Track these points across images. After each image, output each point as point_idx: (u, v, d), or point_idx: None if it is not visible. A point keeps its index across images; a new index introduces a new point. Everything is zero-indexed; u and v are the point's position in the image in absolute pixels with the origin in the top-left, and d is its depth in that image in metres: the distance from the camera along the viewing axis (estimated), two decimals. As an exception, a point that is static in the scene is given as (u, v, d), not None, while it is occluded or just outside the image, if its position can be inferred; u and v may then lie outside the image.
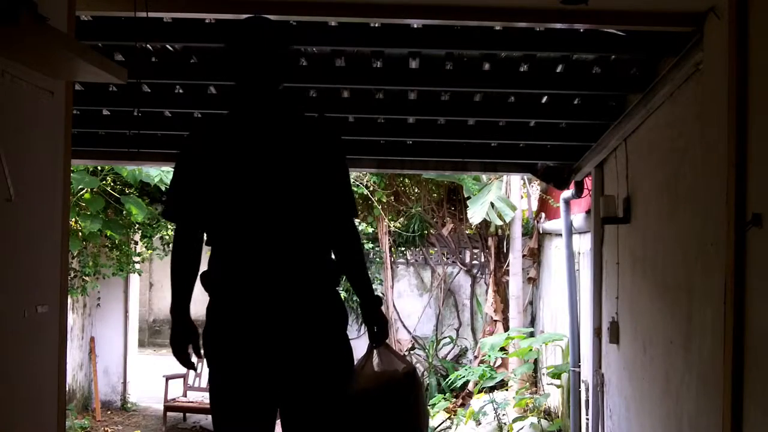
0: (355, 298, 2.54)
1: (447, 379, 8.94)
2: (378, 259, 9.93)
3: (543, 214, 8.53)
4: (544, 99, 4.52)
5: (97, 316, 9.24)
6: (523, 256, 8.83)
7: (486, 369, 8.29)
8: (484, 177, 8.75)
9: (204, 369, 8.61)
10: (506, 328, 8.80)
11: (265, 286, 2.25)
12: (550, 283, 8.18)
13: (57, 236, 2.56)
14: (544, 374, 7.74)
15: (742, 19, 2.61)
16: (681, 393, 3.53)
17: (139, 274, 9.37)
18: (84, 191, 7.57)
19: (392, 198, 9.98)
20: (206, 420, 8.69)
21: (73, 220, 7.47)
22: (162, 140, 5.21)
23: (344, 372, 2.35)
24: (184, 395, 8.54)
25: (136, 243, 9.02)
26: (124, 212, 8.06)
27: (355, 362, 2.44)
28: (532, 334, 8.37)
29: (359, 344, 2.57)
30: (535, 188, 9.29)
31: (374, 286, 4.41)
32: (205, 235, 2.37)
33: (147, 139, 5.08)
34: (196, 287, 2.33)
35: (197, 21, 3.48)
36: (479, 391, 8.14)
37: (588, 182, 5.52)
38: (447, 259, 10.03)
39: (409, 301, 10.04)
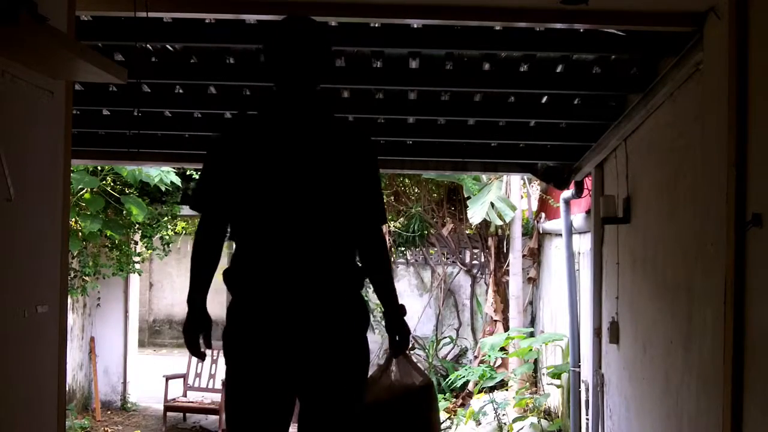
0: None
1: (447, 379, 8.94)
2: (378, 259, 9.91)
3: (543, 214, 8.53)
4: (544, 99, 4.52)
5: (97, 316, 9.24)
6: (523, 256, 8.83)
7: (486, 369, 8.29)
8: (484, 177, 8.74)
9: (204, 369, 8.63)
10: (506, 328, 8.80)
11: (289, 284, 2.24)
12: (550, 283, 8.18)
13: (57, 236, 2.56)
14: (544, 374, 7.74)
15: (742, 19, 2.61)
16: (681, 393, 3.53)
17: (139, 274, 9.37)
18: (84, 191, 7.57)
19: (392, 198, 9.98)
20: (206, 420, 8.69)
21: (73, 220, 7.46)
22: (162, 140, 5.21)
23: (360, 372, 2.34)
24: (184, 395, 8.54)
25: (136, 243, 9.02)
26: (124, 212, 8.05)
27: (372, 370, 2.43)
28: (532, 334, 8.37)
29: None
30: (535, 188, 9.29)
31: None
32: (228, 229, 2.35)
33: (147, 139, 5.08)
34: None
35: (197, 21, 3.48)
36: (479, 391, 8.14)
37: (588, 182, 5.52)
38: (447, 259, 10.03)
39: (409, 301, 10.02)
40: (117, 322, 9.39)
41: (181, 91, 4.46)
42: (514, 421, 7.35)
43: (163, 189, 8.18)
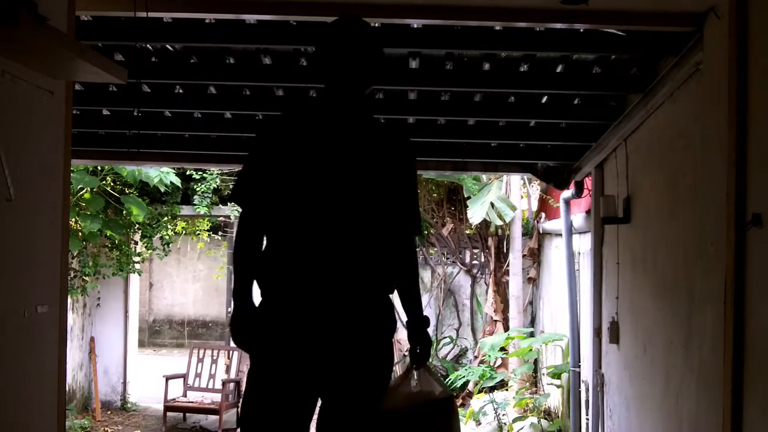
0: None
1: (447, 380, 8.94)
2: (378, 259, 9.91)
3: (543, 214, 8.53)
4: (544, 99, 4.53)
5: (97, 316, 9.24)
6: (523, 256, 8.83)
7: (486, 369, 8.29)
8: (484, 177, 8.74)
9: (204, 369, 8.64)
10: (506, 328, 8.80)
11: (322, 284, 2.23)
12: (550, 283, 8.18)
13: (57, 236, 2.56)
14: (544, 374, 7.74)
15: (742, 19, 2.61)
16: (681, 393, 3.52)
17: (139, 274, 9.37)
18: (84, 191, 7.57)
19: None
20: (206, 420, 8.69)
21: (73, 220, 7.46)
22: (162, 140, 5.21)
23: (385, 377, 2.34)
24: (184, 395, 8.53)
25: (136, 243, 9.02)
26: (124, 212, 8.06)
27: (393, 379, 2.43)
28: (532, 334, 8.37)
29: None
30: (535, 188, 9.29)
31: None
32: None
33: (147, 139, 5.08)
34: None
35: (197, 21, 3.48)
36: (479, 391, 8.14)
37: (588, 182, 5.52)
38: (447, 259, 10.02)
39: (409, 301, 10.02)
40: (117, 322, 9.39)
41: (181, 91, 4.46)
42: (514, 421, 7.35)
43: (163, 189, 8.18)
